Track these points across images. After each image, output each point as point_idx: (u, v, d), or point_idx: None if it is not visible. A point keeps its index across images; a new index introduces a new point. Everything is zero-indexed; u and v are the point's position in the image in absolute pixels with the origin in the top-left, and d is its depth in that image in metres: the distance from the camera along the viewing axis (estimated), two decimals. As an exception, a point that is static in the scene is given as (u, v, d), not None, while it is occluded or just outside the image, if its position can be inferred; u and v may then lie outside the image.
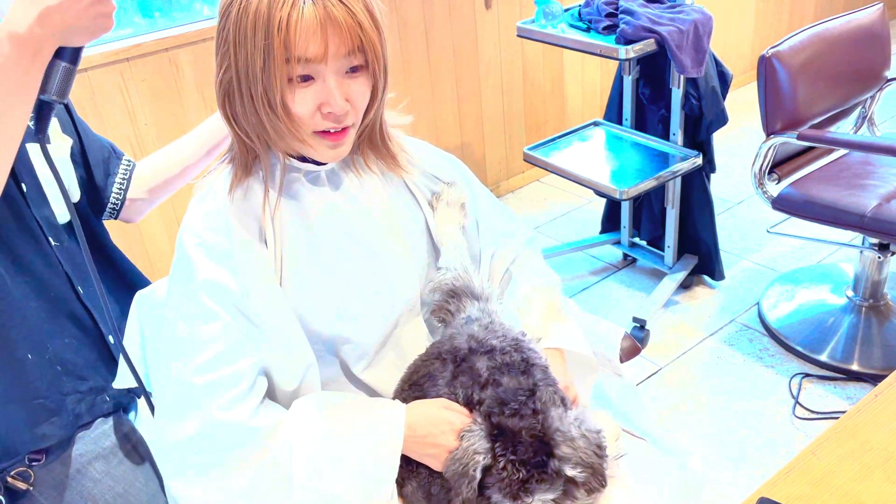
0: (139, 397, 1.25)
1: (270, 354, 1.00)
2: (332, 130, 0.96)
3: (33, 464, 1.11)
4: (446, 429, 0.97)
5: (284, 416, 0.98)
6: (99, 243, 1.26)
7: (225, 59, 0.92)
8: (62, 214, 1.15)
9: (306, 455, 0.95)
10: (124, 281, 1.29)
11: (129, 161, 1.31)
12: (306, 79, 0.92)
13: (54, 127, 1.17)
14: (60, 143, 1.18)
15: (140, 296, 1.19)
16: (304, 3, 0.87)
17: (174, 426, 0.96)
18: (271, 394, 1.02)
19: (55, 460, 1.12)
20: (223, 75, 0.94)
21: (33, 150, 1.11)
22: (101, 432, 1.17)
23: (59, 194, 1.06)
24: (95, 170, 1.25)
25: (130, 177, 1.30)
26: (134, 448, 1.19)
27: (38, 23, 0.89)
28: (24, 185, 1.09)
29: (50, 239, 1.12)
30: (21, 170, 1.09)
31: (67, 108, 1.21)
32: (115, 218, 1.31)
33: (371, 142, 1.08)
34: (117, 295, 1.25)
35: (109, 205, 1.28)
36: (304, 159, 1.03)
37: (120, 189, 1.28)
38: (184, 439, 0.96)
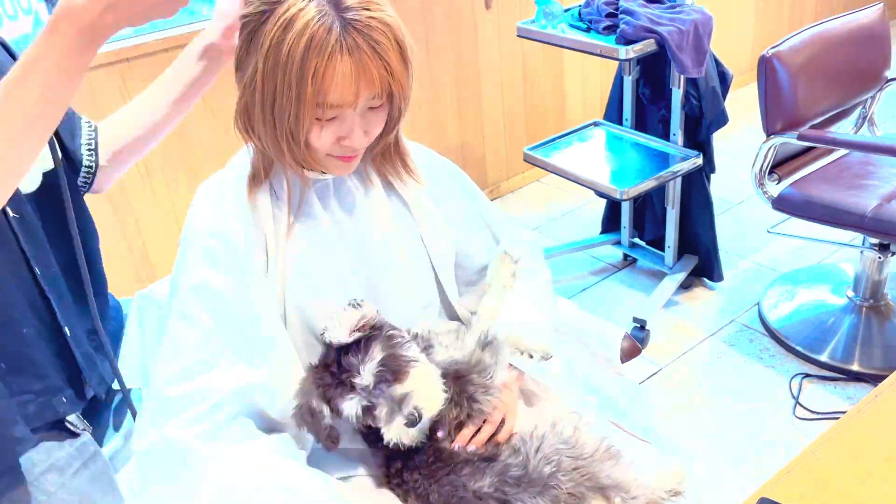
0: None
1: (256, 364, 0.98)
2: (346, 156, 0.98)
3: None
4: None
5: (238, 450, 0.94)
6: (66, 223, 1.07)
7: (251, 82, 0.91)
8: (30, 181, 1.01)
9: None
10: (95, 270, 1.16)
11: (88, 122, 1.16)
12: (330, 119, 0.93)
13: None
14: None
15: (140, 295, 1.19)
16: (341, 54, 0.86)
17: (137, 437, 0.96)
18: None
19: (7, 472, 0.98)
20: (247, 93, 0.93)
21: None
22: (56, 443, 1.04)
23: None
24: (62, 132, 1.09)
25: (96, 140, 1.14)
26: (91, 459, 1.07)
27: (106, 12, 0.82)
28: None
29: (7, 209, 0.97)
30: None
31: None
32: (87, 190, 1.16)
33: (384, 154, 1.09)
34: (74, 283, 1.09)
35: (83, 172, 1.12)
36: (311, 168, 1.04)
37: (90, 152, 1.13)
38: (139, 453, 0.94)
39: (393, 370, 0.96)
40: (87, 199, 1.17)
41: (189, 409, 0.93)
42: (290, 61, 0.86)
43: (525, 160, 2.57)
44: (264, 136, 0.95)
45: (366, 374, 0.95)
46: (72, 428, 1.06)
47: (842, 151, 2.30)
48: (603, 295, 2.67)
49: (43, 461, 1.01)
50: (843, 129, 2.38)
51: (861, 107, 2.36)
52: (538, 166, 2.53)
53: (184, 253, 1.00)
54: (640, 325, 2.37)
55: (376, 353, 0.96)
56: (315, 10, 0.86)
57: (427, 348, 1.05)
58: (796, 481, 0.88)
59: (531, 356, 1.10)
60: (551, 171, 2.50)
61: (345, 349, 0.97)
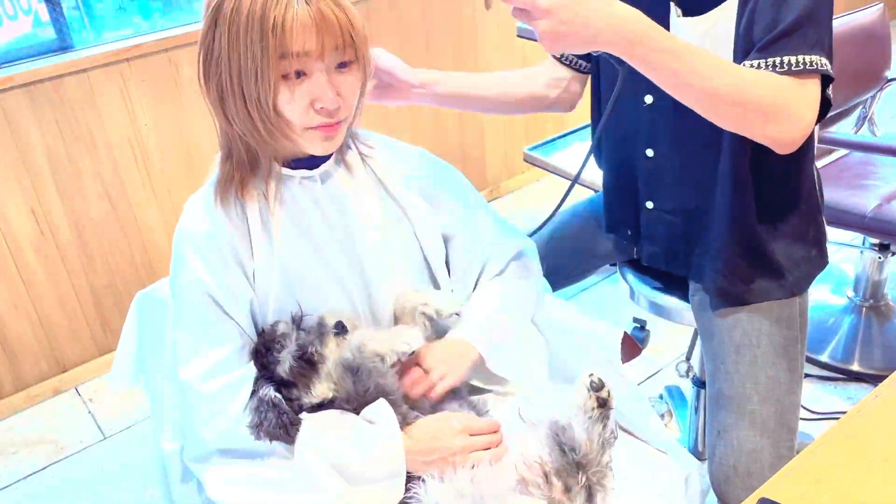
0: None
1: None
2: (324, 124, 0.97)
3: None
4: (446, 433, 0.99)
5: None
6: None
7: (218, 63, 0.93)
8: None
9: (331, 464, 0.97)
10: None
11: None
12: (299, 75, 0.93)
13: None
14: None
15: (140, 295, 1.19)
16: (298, 4, 0.88)
17: (200, 429, 0.99)
18: None
19: None
20: (218, 78, 0.94)
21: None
22: None
23: None
24: None
25: None
26: None
27: None
28: None
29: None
30: None
31: None
32: None
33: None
34: None
35: None
36: (297, 165, 1.04)
37: None
38: (211, 441, 0.98)
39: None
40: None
41: (240, 391, 0.99)
42: (251, 20, 0.88)
43: (525, 160, 2.57)
44: (237, 116, 0.95)
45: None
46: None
47: (842, 151, 2.30)
48: (603, 295, 2.67)
49: None
50: (844, 129, 2.38)
51: (861, 107, 2.36)
52: (538, 166, 2.52)
53: (181, 256, 1.01)
54: (640, 326, 2.37)
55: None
56: None
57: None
58: (796, 481, 0.88)
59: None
60: (551, 171, 2.50)
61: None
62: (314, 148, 1.00)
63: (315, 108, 0.95)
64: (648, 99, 1.23)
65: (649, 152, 1.28)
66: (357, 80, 0.98)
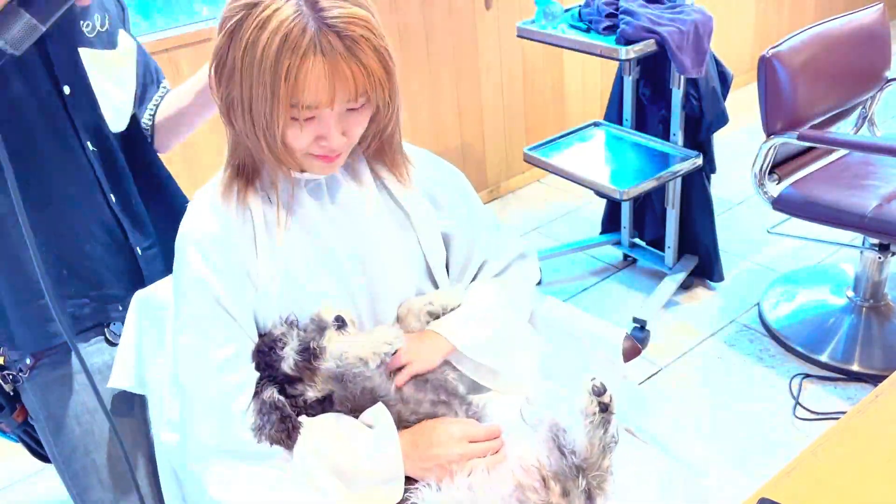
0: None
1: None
2: (325, 156, 0.98)
3: (20, 373, 1.18)
4: (443, 440, 1.00)
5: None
6: (146, 161, 1.28)
7: (231, 80, 0.92)
8: (117, 125, 1.20)
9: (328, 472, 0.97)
10: (165, 201, 1.30)
11: (165, 88, 1.33)
12: (308, 118, 0.93)
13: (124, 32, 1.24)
14: (126, 47, 1.23)
15: (139, 297, 1.19)
16: (314, 54, 0.86)
17: (202, 431, 0.98)
18: None
19: (49, 363, 1.18)
20: (228, 91, 0.93)
21: (86, 54, 1.14)
22: (97, 349, 1.21)
23: (117, 104, 1.18)
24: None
25: (160, 103, 1.31)
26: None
27: None
28: (66, 88, 1.11)
29: (88, 143, 1.14)
30: (66, 73, 1.11)
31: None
32: (151, 144, 1.32)
33: (377, 154, 1.09)
34: (157, 213, 1.27)
35: (143, 128, 1.30)
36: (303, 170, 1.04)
37: (150, 115, 1.30)
38: (213, 443, 0.98)
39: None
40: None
41: (242, 393, 0.99)
42: (265, 60, 0.86)
43: (525, 160, 2.57)
44: (244, 131, 0.95)
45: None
46: (112, 339, 1.23)
47: (842, 151, 2.30)
48: (603, 295, 2.67)
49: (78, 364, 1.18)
50: (844, 129, 2.38)
51: (861, 107, 2.36)
52: (538, 166, 2.53)
53: (184, 259, 1.01)
54: (641, 326, 2.37)
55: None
56: (291, 10, 0.86)
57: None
58: (796, 481, 0.88)
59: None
60: (551, 172, 2.50)
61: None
62: (313, 169, 1.02)
63: (320, 144, 0.95)
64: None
65: (113, 197, 1.20)
66: (366, 117, 0.98)
